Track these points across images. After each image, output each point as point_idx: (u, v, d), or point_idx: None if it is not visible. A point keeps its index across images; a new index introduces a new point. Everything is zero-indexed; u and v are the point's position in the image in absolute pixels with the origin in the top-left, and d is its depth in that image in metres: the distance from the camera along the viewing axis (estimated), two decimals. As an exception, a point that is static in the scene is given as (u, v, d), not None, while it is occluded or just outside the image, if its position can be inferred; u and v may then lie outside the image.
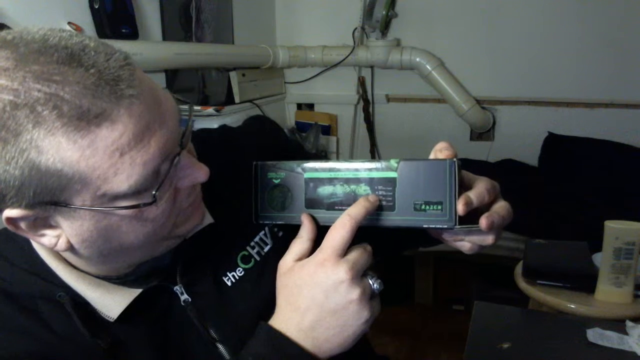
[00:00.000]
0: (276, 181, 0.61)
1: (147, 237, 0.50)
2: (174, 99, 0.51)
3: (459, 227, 0.53)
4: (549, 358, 1.03)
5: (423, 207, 0.54)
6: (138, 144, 0.44)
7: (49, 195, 0.44)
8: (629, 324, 1.07)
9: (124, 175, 0.44)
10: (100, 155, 0.43)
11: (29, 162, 0.42)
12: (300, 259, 0.56)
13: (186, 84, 2.26)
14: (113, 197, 0.45)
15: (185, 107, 0.53)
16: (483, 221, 0.52)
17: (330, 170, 0.58)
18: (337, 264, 0.52)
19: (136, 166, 0.44)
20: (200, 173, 0.51)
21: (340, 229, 0.53)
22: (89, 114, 0.42)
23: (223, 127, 0.76)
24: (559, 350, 1.04)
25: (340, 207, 0.57)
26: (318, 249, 0.54)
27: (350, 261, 0.52)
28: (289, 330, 0.53)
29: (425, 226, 0.55)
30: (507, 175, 2.55)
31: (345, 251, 0.53)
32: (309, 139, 2.68)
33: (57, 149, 0.42)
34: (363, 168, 0.56)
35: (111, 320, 0.55)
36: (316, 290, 0.52)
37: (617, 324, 1.08)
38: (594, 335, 1.04)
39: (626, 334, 1.04)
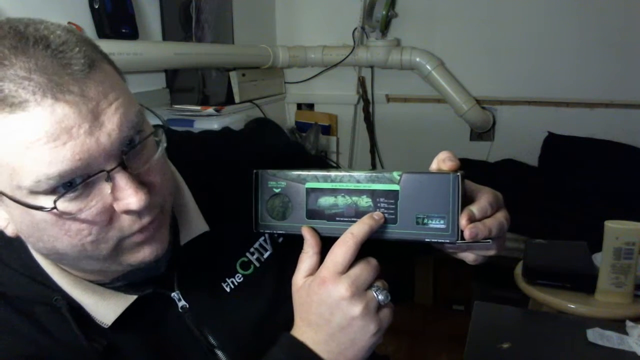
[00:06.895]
0: (276, 190, 0.60)
1: (76, 250, 0.48)
2: (142, 115, 0.48)
3: (460, 241, 0.53)
4: (549, 358, 1.04)
5: (425, 221, 0.53)
6: (49, 143, 0.42)
7: None
8: (629, 324, 1.07)
9: (27, 170, 0.43)
10: (7, 143, 0.42)
11: None
12: (310, 274, 0.56)
13: (186, 84, 2.26)
14: (28, 191, 0.44)
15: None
16: (467, 232, 0.52)
17: (332, 180, 0.57)
18: (337, 282, 0.52)
19: (42, 164, 0.43)
20: (132, 200, 0.46)
21: (342, 246, 0.53)
22: (5, 100, 0.41)
23: (225, 130, 0.76)
24: (559, 350, 1.04)
25: (341, 219, 0.57)
26: (321, 266, 0.54)
27: (351, 277, 0.52)
28: (306, 343, 0.54)
29: (427, 240, 0.54)
30: (507, 175, 2.55)
31: (349, 267, 0.53)
32: (309, 139, 2.68)
33: None
34: (365, 179, 0.56)
35: (105, 326, 0.54)
36: (322, 308, 0.53)
37: (617, 324, 1.08)
38: (594, 335, 1.04)
39: (626, 334, 1.04)
